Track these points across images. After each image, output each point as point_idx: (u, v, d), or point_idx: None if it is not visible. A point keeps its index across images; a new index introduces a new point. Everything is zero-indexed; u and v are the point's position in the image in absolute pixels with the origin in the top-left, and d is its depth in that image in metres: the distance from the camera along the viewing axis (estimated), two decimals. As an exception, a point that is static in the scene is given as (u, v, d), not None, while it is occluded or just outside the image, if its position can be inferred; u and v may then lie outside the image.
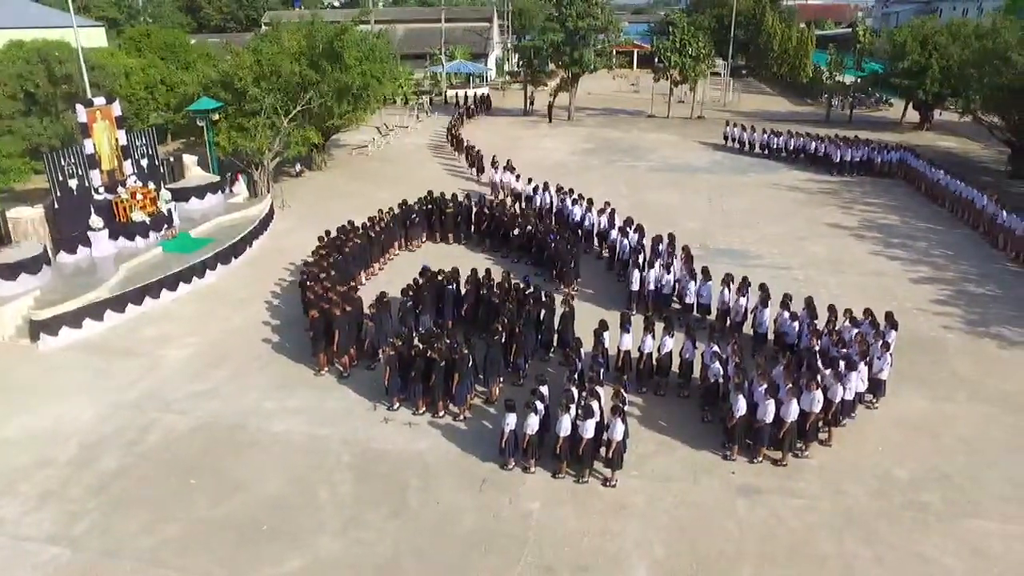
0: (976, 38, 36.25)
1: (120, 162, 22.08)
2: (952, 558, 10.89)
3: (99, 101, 21.68)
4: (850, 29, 63.21)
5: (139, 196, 21.64)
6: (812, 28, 63.11)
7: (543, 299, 16.46)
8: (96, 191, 21.22)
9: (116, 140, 21.85)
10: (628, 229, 20.73)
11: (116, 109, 22.00)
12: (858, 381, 13.63)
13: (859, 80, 47.77)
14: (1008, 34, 32.06)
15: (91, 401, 14.81)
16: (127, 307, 18.41)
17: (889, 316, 15.40)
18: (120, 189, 21.71)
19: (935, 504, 11.99)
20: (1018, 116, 30.42)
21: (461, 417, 14.15)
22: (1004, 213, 23.14)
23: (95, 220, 20.60)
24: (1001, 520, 11.64)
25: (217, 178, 26.32)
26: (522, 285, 17.20)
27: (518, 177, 26.72)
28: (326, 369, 15.84)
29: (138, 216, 21.34)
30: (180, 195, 24.06)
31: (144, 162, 23.08)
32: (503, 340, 14.93)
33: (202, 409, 14.60)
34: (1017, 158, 32.28)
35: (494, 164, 28.22)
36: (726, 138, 38.32)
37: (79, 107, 21.01)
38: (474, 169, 31.96)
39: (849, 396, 13.42)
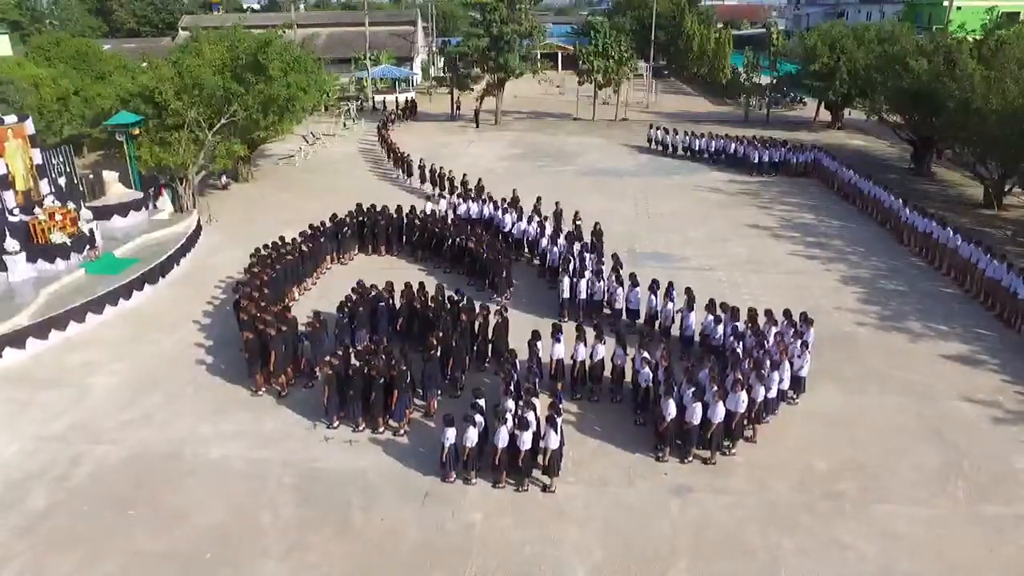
0: (878, 42, 38.42)
1: (36, 182, 21.33)
2: (865, 542, 11.69)
3: (10, 119, 20.87)
4: (765, 29, 65.77)
5: (58, 217, 20.90)
6: (729, 29, 65.31)
7: (476, 310, 16.76)
8: (11, 213, 20.44)
9: (31, 159, 21.09)
10: (557, 237, 21.20)
11: (29, 127, 21.23)
12: (780, 380, 14.41)
13: (774, 81, 49.74)
14: (905, 40, 34.17)
15: (13, 436, 14.30)
16: (50, 334, 17.81)
17: (804, 316, 16.27)
18: (37, 210, 20.93)
19: (850, 492, 12.82)
20: (918, 117, 32.32)
21: (401, 432, 14.32)
22: (907, 211, 24.64)
23: (10, 243, 19.80)
24: (908, 503, 12.55)
25: (140, 194, 25.55)
26: (456, 297, 17.45)
27: (501, 209, 23.94)
28: (263, 390, 15.73)
29: (58, 237, 20.61)
30: (101, 213, 23.31)
31: (62, 181, 22.37)
32: (439, 353, 15.17)
33: (135, 438, 14.31)
34: (918, 156, 34.35)
35: (466, 193, 25.71)
36: (650, 141, 39.45)
37: (-12, 125, 20.23)
38: (406, 175, 32.10)
39: (772, 394, 14.21)
